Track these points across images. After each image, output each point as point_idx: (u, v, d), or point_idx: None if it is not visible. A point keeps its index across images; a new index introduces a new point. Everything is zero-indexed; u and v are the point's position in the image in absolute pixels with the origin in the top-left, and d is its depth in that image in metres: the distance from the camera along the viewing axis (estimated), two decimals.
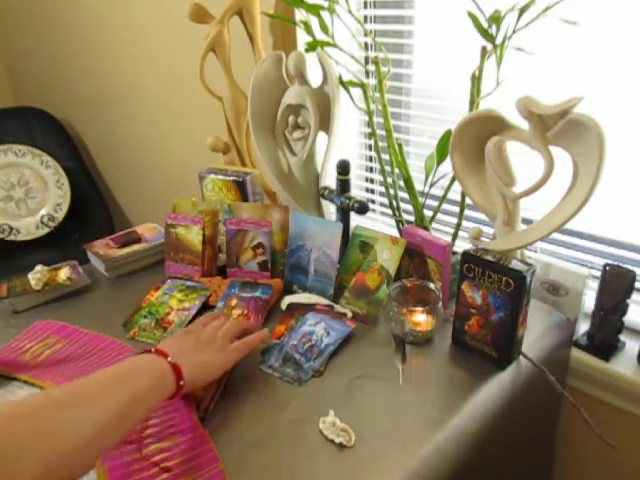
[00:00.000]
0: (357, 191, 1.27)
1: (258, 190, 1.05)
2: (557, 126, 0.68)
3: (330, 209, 1.03)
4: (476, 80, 0.79)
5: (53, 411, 0.47)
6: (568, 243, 0.95)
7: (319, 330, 0.76)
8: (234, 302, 0.85)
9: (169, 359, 0.58)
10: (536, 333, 0.79)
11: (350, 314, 0.82)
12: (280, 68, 0.96)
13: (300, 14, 0.90)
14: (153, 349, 0.60)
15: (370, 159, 1.24)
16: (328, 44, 0.88)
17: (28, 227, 1.80)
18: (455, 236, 0.91)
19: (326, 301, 0.85)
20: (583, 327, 0.89)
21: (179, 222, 0.96)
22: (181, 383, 0.58)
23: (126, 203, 2.09)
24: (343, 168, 0.92)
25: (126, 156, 1.90)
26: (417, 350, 0.76)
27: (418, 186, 0.91)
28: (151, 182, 1.86)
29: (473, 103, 0.80)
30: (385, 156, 0.92)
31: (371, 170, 1.25)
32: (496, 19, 0.71)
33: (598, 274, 0.82)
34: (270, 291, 0.87)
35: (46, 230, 1.81)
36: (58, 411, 0.47)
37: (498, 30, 0.73)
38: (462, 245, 0.96)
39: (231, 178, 1.02)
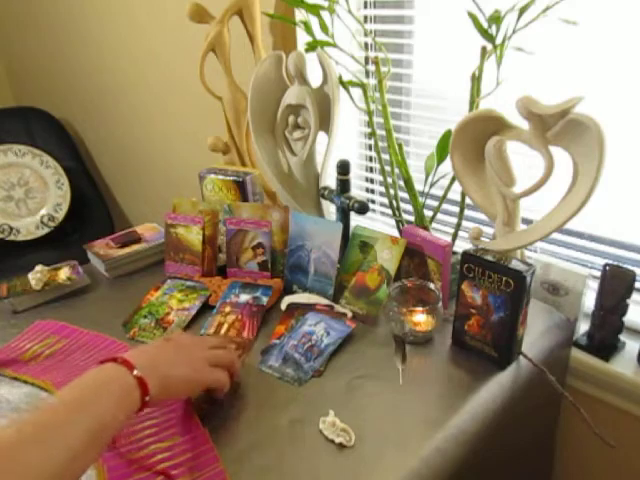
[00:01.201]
0: (357, 191, 1.27)
1: (258, 190, 1.05)
2: (557, 126, 0.68)
3: (330, 209, 1.03)
4: (476, 80, 0.79)
5: (17, 450, 0.44)
6: (568, 243, 0.95)
7: (319, 330, 0.76)
8: (228, 309, 0.84)
9: (134, 372, 0.53)
10: (536, 333, 0.79)
11: (350, 314, 0.82)
12: (280, 68, 0.96)
13: (300, 14, 0.90)
14: (120, 359, 0.55)
15: (370, 159, 1.24)
16: (328, 44, 0.88)
17: (28, 227, 1.79)
18: (455, 236, 0.91)
19: (326, 301, 0.85)
20: (583, 327, 0.89)
21: (179, 222, 0.96)
22: (146, 399, 0.53)
23: (126, 203, 2.09)
24: (343, 168, 0.92)
25: (126, 156, 1.90)
26: (417, 350, 0.75)
27: (418, 186, 0.91)
28: (151, 182, 1.86)
29: (473, 103, 0.80)
30: (385, 156, 0.92)
31: (371, 170, 1.25)
32: (496, 19, 0.71)
33: (598, 274, 0.82)
34: (270, 292, 0.87)
35: (46, 230, 1.81)
36: (22, 449, 0.44)
37: (498, 30, 0.73)
38: (462, 245, 0.96)
39: (231, 178, 1.02)
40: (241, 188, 1.02)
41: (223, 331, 0.80)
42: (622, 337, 0.85)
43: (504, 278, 0.67)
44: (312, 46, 0.90)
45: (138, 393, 0.53)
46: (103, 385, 0.52)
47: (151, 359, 0.57)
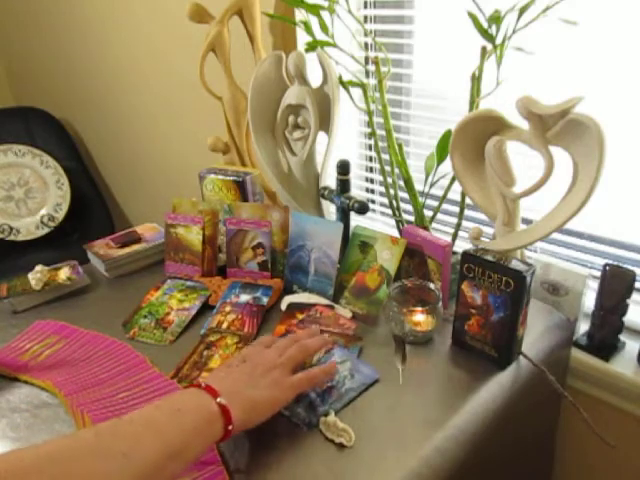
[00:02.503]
0: (357, 191, 1.27)
1: (258, 190, 1.05)
2: (557, 126, 0.68)
3: (330, 209, 1.03)
4: (476, 80, 0.79)
5: (84, 458, 0.43)
6: (568, 243, 0.95)
7: (343, 370, 0.69)
8: (228, 308, 0.84)
9: (219, 400, 0.52)
10: (536, 333, 0.79)
11: (350, 314, 0.82)
12: (280, 68, 0.96)
13: (300, 14, 0.90)
14: (203, 384, 0.54)
15: (370, 159, 1.24)
16: (328, 44, 0.88)
17: (28, 227, 1.79)
18: (455, 236, 0.91)
19: (326, 301, 0.85)
20: (583, 327, 0.89)
21: (179, 222, 0.96)
22: (229, 428, 0.52)
23: (126, 203, 2.09)
24: (343, 168, 0.92)
25: (126, 156, 1.90)
26: (417, 350, 0.75)
27: (418, 186, 0.91)
28: (151, 182, 1.85)
29: (473, 103, 0.80)
30: (385, 156, 0.92)
31: (371, 170, 1.25)
32: (496, 19, 0.71)
33: (598, 274, 0.82)
34: (270, 292, 0.87)
35: (46, 230, 1.81)
36: (90, 458, 0.43)
37: (498, 30, 0.73)
38: (462, 245, 0.96)
39: (231, 178, 1.02)
40: (241, 188, 1.02)
41: (224, 327, 0.80)
42: (622, 337, 0.85)
43: (504, 278, 0.67)
44: (312, 46, 0.90)
45: (221, 422, 0.51)
46: (180, 411, 0.50)
47: (234, 384, 0.55)
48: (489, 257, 0.69)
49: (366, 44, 1.11)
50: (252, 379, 0.58)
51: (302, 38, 1.10)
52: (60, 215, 1.83)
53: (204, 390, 0.53)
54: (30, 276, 0.92)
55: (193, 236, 0.95)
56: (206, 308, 0.86)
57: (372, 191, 1.26)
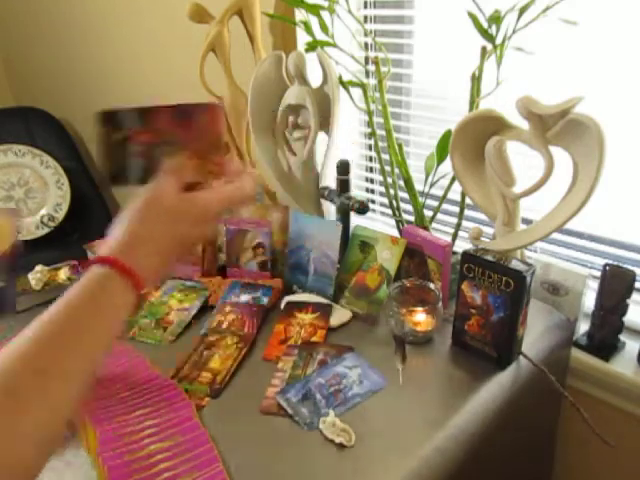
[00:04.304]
0: (357, 191, 1.26)
1: (258, 190, 1.05)
2: (557, 126, 0.68)
3: (330, 209, 1.03)
4: (476, 80, 0.79)
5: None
6: (568, 243, 0.95)
7: (353, 375, 0.70)
8: (228, 308, 0.84)
9: (122, 265, 0.47)
10: (536, 333, 0.79)
11: (350, 314, 0.82)
12: (280, 68, 0.96)
13: (300, 14, 0.90)
14: (101, 257, 0.48)
15: (370, 159, 1.24)
16: (328, 44, 0.88)
17: (28, 227, 1.79)
18: (455, 236, 0.91)
19: (326, 301, 0.85)
20: (583, 327, 0.89)
21: None
22: (140, 292, 0.48)
23: (126, 203, 2.08)
24: (343, 168, 0.92)
25: None
26: (417, 350, 0.75)
27: (418, 186, 0.91)
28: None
29: (473, 103, 0.80)
30: (385, 156, 0.92)
31: (371, 170, 1.25)
32: (496, 19, 0.71)
33: (598, 274, 0.82)
34: (270, 292, 0.87)
35: (46, 230, 1.81)
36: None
37: (498, 30, 0.73)
38: (462, 245, 0.96)
39: None
40: None
41: (224, 327, 0.80)
42: (622, 337, 0.85)
43: (504, 278, 0.67)
44: (312, 46, 0.90)
45: (128, 295, 0.48)
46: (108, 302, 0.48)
47: (136, 234, 0.51)
48: (489, 257, 0.69)
49: (366, 44, 1.11)
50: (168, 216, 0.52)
51: (302, 38, 1.10)
52: (60, 215, 1.83)
53: (98, 263, 0.49)
54: (30, 276, 0.92)
55: None
56: (206, 308, 0.86)
57: (372, 191, 1.26)
